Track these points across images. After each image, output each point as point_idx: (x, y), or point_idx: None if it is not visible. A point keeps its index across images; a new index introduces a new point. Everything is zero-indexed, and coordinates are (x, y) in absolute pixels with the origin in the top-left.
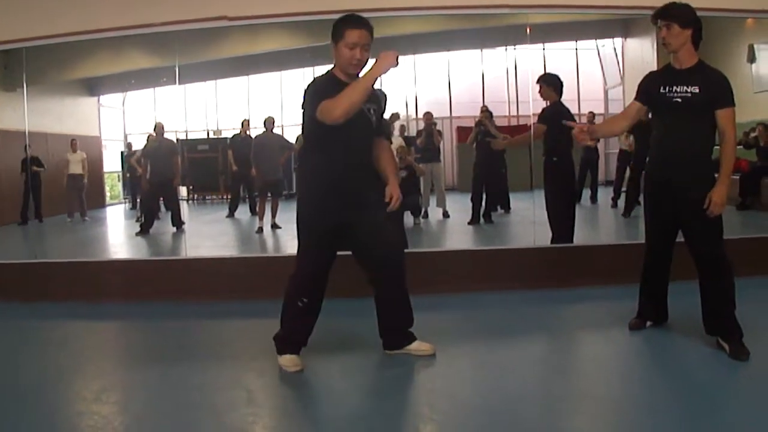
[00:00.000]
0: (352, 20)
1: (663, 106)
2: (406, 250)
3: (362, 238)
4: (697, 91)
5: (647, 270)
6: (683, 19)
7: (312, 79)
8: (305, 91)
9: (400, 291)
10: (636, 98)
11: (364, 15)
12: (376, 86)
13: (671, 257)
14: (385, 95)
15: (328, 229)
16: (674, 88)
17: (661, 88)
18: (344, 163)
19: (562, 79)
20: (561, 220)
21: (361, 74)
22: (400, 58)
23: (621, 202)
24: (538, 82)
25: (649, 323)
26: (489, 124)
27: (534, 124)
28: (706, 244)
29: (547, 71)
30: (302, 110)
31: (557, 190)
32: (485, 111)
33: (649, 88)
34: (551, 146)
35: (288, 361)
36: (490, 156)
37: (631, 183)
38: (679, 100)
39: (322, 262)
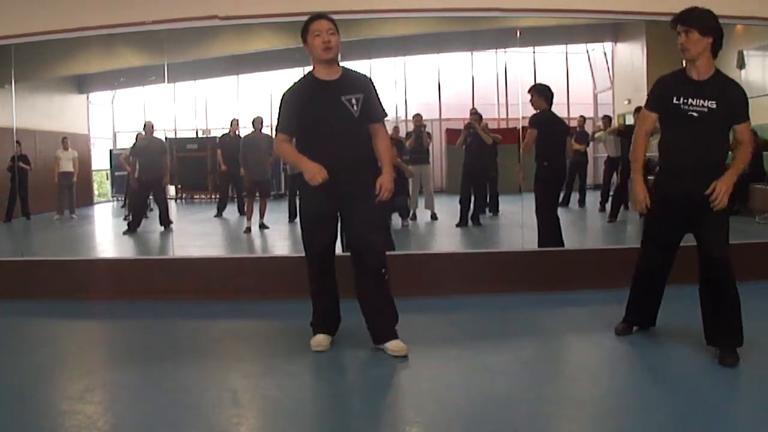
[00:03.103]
0: (312, 16)
1: (677, 118)
2: (393, 252)
3: (347, 231)
4: (714, 106)
5: (640, 278)
6: (704, 25)
7: (289, 87)
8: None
9: (377, 289)
10: (648, 107)
11: (355, 17)
12: (360, 72)
13: (670, 268)
14: (369, 78)
15: (319, 216)
16: (689, 100)
17: (675, 98)
18: (324, 154)
19: (552, 88)
20: (545, 223)
21: (330, 61)
22: (393, 60)
23: (608, 207)
24: (529, 91)
25: (635, 328)
26: (478, 127)
27: (524, 128)
28: (718, 248)
29: (539, 80)
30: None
31: (542, 192)
32: (475, 114)
33: (661, 96)
34: (541, 151)
35: (313, 340)
36: (479, 159)
37: (617, 189)
38: (695, 114)
39: (322, 242)
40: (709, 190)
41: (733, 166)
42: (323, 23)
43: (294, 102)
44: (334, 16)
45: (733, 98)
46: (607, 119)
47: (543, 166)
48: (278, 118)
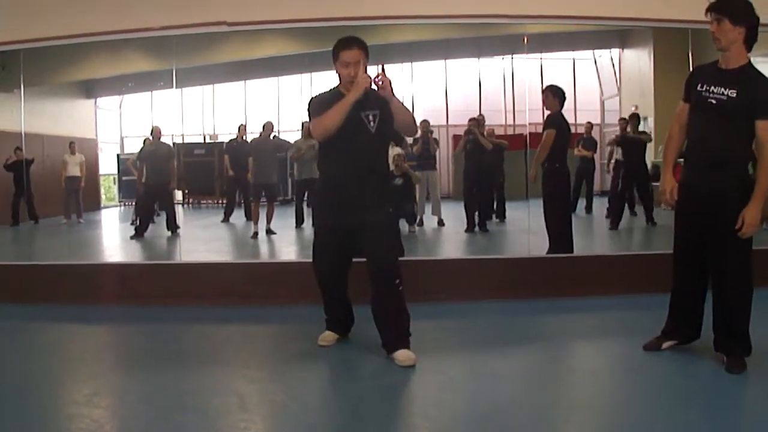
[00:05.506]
0: (345, 42)
1: (697, 106)
2: (401, 258)
3: (363, 244)
4: (734, 95)
5: (674, 286)
6: (736, 15)
7: (316, 94)
8: (308, 104)
9: (390, 299)
10: (682, 98)
11: (363, 23)
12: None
13: (705, 273)
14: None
15: (331, 231)
16: (711, 87)
17: (699, 85)
18: (342, 170)
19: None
20: (558, 227)
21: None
22: (401, 66)
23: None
24: (544, 91)
25: (668, 343)
26: (478, 132)
27: (531, 133)
28: (734, 261)
29: (552, 83)
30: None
31: (556, 195)
32: (473, 119)
33: (689, 84)
34: (555, 152)
35: (322, 335)
36: (480, 164)
37: (618, 194)
38: (713, 101)
39: (329, 261)
40: (738, 225)
41: (757, 190)
42: (353, 54)
43: (321, 109)
44: (342, 23)
45: (756, 90)
46: (624, 122)
47: (555, 167)
48: (311, 118)
